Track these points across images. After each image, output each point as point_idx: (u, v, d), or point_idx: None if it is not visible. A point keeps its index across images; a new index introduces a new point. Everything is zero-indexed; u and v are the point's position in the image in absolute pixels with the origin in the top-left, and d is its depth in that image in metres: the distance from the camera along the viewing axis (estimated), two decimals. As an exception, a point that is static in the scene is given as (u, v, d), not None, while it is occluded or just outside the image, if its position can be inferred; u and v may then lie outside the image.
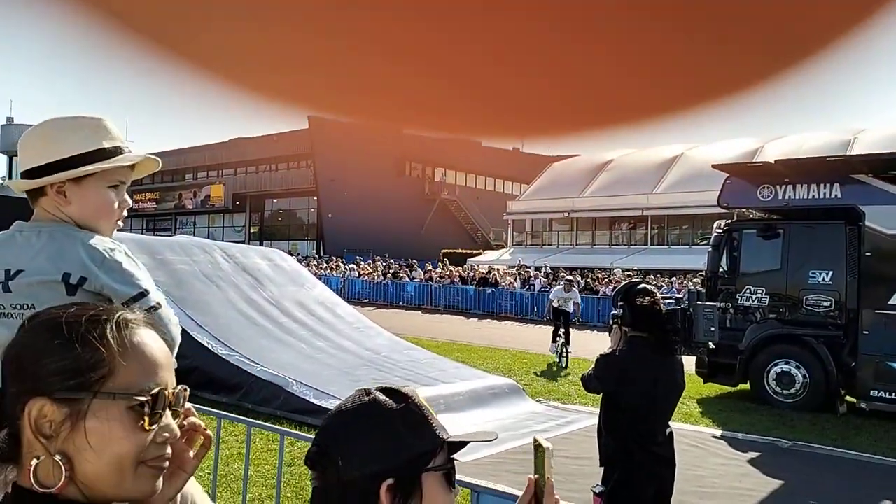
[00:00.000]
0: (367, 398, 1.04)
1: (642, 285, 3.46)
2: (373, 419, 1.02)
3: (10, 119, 52.65)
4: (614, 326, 3.48)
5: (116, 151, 1.80)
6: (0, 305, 1.64)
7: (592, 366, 3.54)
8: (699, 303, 3.63)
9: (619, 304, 3.39)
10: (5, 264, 1.65)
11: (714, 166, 10.72)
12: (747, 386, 9.78)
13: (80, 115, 1.79)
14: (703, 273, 10.83)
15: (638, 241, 34.85)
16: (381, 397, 1.04)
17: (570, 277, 15.14)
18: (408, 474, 0.99)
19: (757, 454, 7.08)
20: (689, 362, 7.56)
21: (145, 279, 1.73)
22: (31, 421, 0.82)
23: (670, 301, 3.65)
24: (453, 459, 1.05)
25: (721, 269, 10.20)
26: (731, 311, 9.87)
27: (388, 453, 0.99)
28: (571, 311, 13.25)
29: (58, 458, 0.82)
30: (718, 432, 7.88)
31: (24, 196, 1.83)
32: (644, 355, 3.35)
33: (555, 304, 13.24)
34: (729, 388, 10.07)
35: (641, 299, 3.32)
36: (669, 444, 3.45)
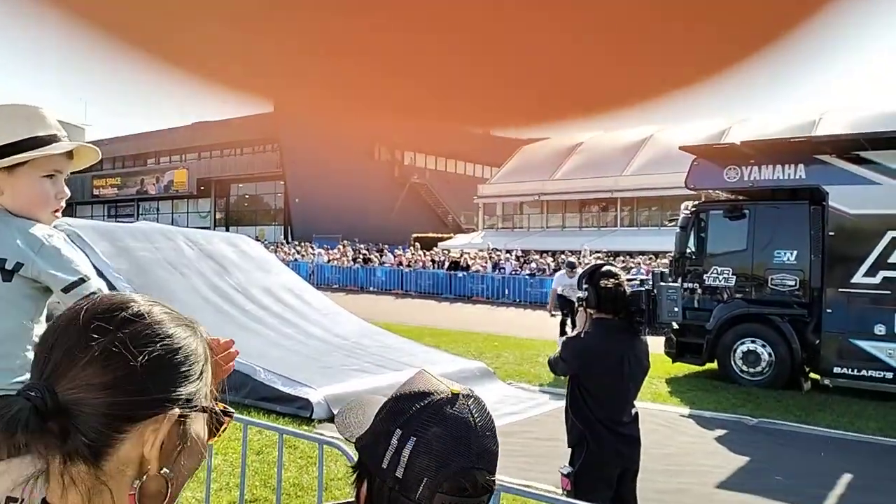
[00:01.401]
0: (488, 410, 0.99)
1: (606, 267, 3.48)
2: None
3: None
4: (579, 309, 3.50)
5: (51, 140, 1.75)
6: None
7: (559, 348, 3.55)
8: (663, 283, 3.65)
9: (584, 286, 3.42)
10: None
11: (681, 148, 10.78)
12: (714, 365, 9.93)
13: (14, 103, 1.73)
14: (672, 254, 10.92)
15: (608, 223, 35.16)
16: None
17: (572, 260, 13.57)
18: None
19: (724, 432, 7.19)
20: (656, 343, 7.63)
21: (85, 266, 1.70)
22: (154, 437, 0.75)
23: (635, 282, 3.65)
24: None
25: (688, 250, 10.30)
26: (699, 291, 9.99)
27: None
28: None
29: (165, 472, 0.77)
30: (686, 411, 7.98)
31: None
32: (609, 337, 3.39)
33: (559, 292, 11.56)
34: (697, 368, 10.22)
35: (606, 281, 3.36)
36: (635, 424, 3.51)
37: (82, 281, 1.66)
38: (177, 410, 0.76)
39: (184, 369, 0.78)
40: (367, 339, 9.29)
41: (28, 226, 1.66)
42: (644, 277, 3.84)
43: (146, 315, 0.78)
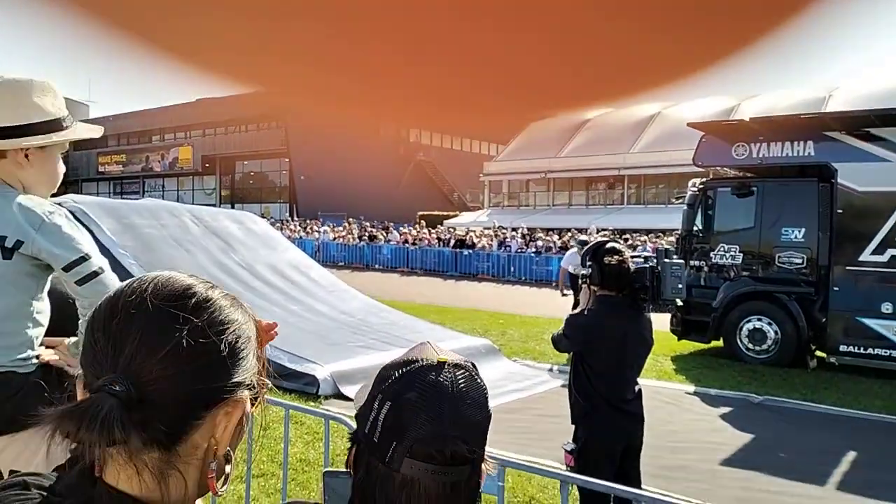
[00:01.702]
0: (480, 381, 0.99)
1: (610, 244, 3.47)
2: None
3: None
4: (583, 286, 3.50)
5: (67, 120, 1.75)
6: None
7: (562, 325, 3.54)
8: (667, 260, 3.66)
9: (588, 263, 3.41)
10: None
11: (690, 125, 10.68)
12: (720, 343, 9.92)
13: (33, 78, 1.70)
14: (679, 232, 10.87)
15: (615, 201, 35.02)
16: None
17: (584, 238, 13.02)
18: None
19: (729, 409, 7.20)
20: (661, 320, 7.62)
21: (87, 243, 1.67)
22: (227, 420, 0.77)
23: (639, 259, 3.65)
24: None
25: (695, 228, 10.25)
26: (705, 269, 9.96)
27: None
28: None
29: (229, 451, 0.79)
30: (692, 388, 7.99)
31: None
32: (613, 314, 3.38)
33: (570, 271, 10.97)
34: (702, 346, 10.22)
35: (609, 258, 3.35)
36: (638, 401, 3.51)
37: (83, 259, 1.64)
38: (247, 393, 0.78)
39: (248, 352, 0.80)
40: (372, 317, 9.32)
41: (29, 202, 1.64)
42: (648, 254, 3.83)
43: (212, 301, 0.79)
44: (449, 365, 0.96)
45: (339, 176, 39.52)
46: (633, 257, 3.53)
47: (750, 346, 9.53)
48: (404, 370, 0.96)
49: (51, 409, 0.70)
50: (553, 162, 35.88)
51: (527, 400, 7.12)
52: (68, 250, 1.62)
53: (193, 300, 0.77)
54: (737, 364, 9.33)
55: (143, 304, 0.75)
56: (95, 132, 1.85)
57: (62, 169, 1.78)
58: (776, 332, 9.38)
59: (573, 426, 3.50)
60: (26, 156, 1.66)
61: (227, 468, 0.79)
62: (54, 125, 1.69)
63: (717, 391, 7.86)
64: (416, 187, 44.08)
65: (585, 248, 3.57)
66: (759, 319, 9.50)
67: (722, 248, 9.91)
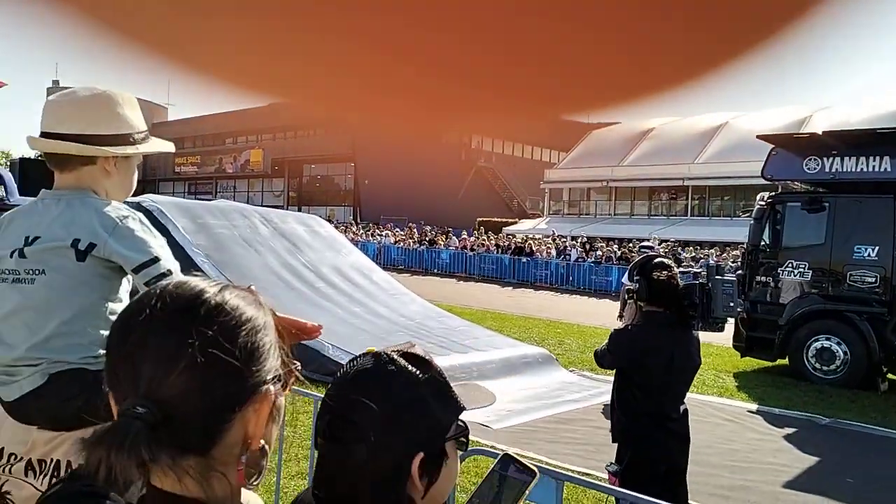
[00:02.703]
0: (392, 365, 0.97)
1: (659, 259, 3.40)
2: (404, 388, 0.95)
3: (55, 82, 52.10)
4: (629, 301, 3.43)
5: (147, 133, 1.86)
6: (16, 270, 1.67)
7: (606, 341, 3.49)
8: (718, 277, 3.55)
9: (636, 277, 3.33)
10: (26, 231, 1.69)
11: (759, 137, 10.42)
12: (786, 361, 9.63)
13: (121, 91, 1.79)
14: (744, 246, 10.61)
15: (678, 212, 34.28)
16: (407, 365, 0.98)
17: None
18: (436, 446, 0.96)
19: (793, 430, 7.00)
20: (723, 335, 7.45)
21: (158, 247, 1.73)
22: (256, 417, 0.78)
23: (688, 275, 3.57)
24: (466, 424, 1.01)
25: (763, 242, 9.99)
26: (772, 284, 9.71)
27: (419, 426, 0.95)
28: None
29: (263, 444, 0.80)
30: (754, 407, 7.80)
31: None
32: (659, 330, 3.29)
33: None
34: (766, 363, 9.94)
35: (658, 273, 3.26)
36: (684, 421, 3.39)
37: (154, 261, 1.69)
38: (271, 387, 0.79)
39: (267, 347, 0.80)
40: (431, 321, 9.45)
41: (106, 208, 1.70)
42: (698, 270, 3.75)
43: (224, 304, 0.79)
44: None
45: (402, 180, 40.00)
46: (682, 273, 3.44)
47: (817, 365, 9.22)
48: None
49: (86, 435, 0.72)
50: (615, 170, 35.39)
51: (583, 411, 7.10)
52: (139, 253, 1.68)
53: (203, 309, 0.77)
54: (803, 384, 9.05)
55: (153, 320, 0.76)
56: (169, 147, 1.93)
57: (136, 178, 1.90)
58: (845, 353, 9.05)
59: (615, 444, 3.41)
60: (115, 164, 1.76)
61: (263, 461, 0.81)
62: (139, 137, 1.78)
63: (782, 411, 7.65)
64: (477, 193, 44.18)
65: (633, 262, 3.50)
66: (828, 339, 9.18)
67: (790, 264, 9.63)
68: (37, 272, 1.66)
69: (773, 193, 10.28)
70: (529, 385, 7.83)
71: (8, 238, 1.70)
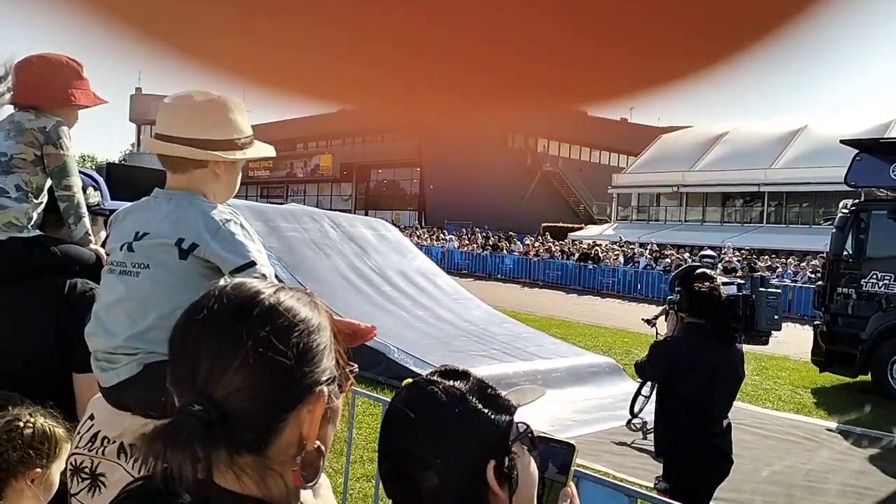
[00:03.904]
0: (432, 387, 1.00)
1: (701, 270, 3.36)
2: (451, 405, 0.97)
3: (138, 89, 53.84)
4: (670, 312, 3.40)
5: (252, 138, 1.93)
6: (123, 263, 1.76)
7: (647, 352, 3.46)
8: (762, 289, 3.44)
9: (677, 288, 3.30)
10: (136, 226, 1.77)
11: (843, 142, 9.97)
12: (867, 377, 9.15)
13: (231, 96, 1.85)
14: (825, 255, 10.15)
15: (753, 219, 33.09)
16: (447, 382, 1.00)
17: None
18: (502, 449, 0.97)
19: (876, 451, 6.64)
20: (792, 350, 7.13)
21: (255, 251, 1.78)
22: (310, 417, 0.79)
23: (732, 287, 3.49)
24: (527, 424, 1.02)
25: (845, 252, 9.53)
26: (854, 296, 9.24)
27: (478, 435, 0.96)
28: None
29: (319, 445, 0.81)
30: (833, 425, 7.44)
31: (145, 167, 1.95)
32: (700, 342, 3.24)
33: None
34: (847, 379, 9.46)
35: (700, 284, 3.22)
36: (727, 436, 3.32)
37: (250, 265, 1.73)
38: (325, 389, 0.80)
39: (321, 347, 0.81)
40: (495, 327, 9.43)
41: (212, 211, 1.78)
42: (741, 282, 3.66)
43: (278, 305, 0.80)
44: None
45: (467, 185, 40.09)
46: (724, 284, 3.37)
47: (903, 383, 8.72)
48: None
49: (147, 431, 0.75)
50: (687, 175, 34.46)
51: (651, 423, 6.94)
52: (237, 256, 1.73)
53: (257, 310, 0.79)
54: (886, 402, 8.56)
55: (211, 319, 0.79)
56: (271, 152, 1.99)
57: (240, 180, 1.97)
58: (934, 371, 8.53)
59: (661, 458, 3.36)
60: (224, 168, 1.82)
61: (319, 462, 0.81)
62: (246, 142, 1.85)
63: (864, 430, 7.26)
64: (542, 198, 43.83)
65: (675, 272, 3.46)
66: (915, 355, 8.67)
67: (875, 276, 9.14)
68: (142, 266, 1.74)
69: (858, 201, 9.80)
70: (595, 395, 7.70)
71: (120, 232, 1.80)
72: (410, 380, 1.05)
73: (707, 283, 3.22)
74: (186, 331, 0.80)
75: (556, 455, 1.05)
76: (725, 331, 3.28)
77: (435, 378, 1.01)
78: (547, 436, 1.06)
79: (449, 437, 0.95)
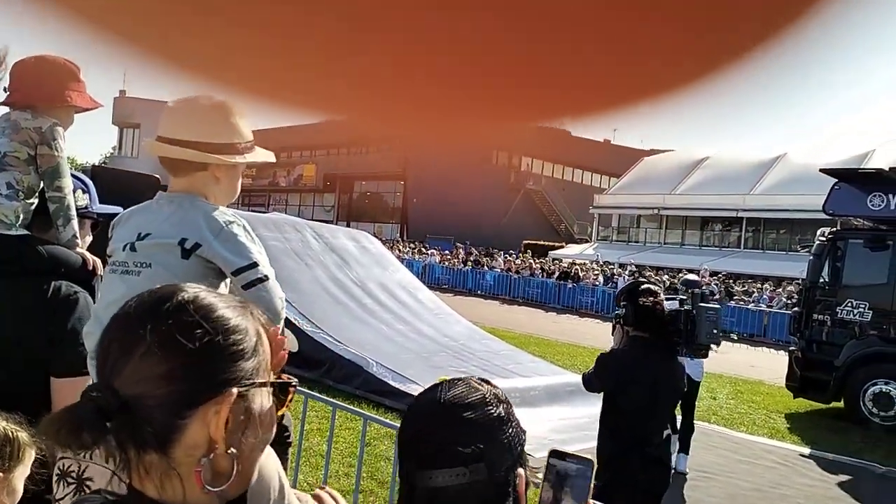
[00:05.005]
0: (487, 388, 1.10)
1: (646, 285, 3.50)
2: (495, 406, 1.07)
3: (122, 92, 52.53)
4: (616, 326, 3.51)
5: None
6: (125, 263, 1.77)
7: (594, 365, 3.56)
8: (702, 304, 3.61)
9: (623, 303, 3.44)
10: (139, 227, 1.79)
11: (822, 170, 10.14)
12: (841, 404, 9.26)
13: (234, 102, 1.84)
14: (801, 281, 10.29)
15: (731, 244, 33.49)
16: (486, 386, 1.11)
17: (691, 277, 11.65)
18: (521, 458, 1.08)
19: (848, 477, 6.71)
20: (767, 375, 7.18)
21: (257, 253, 1.81)
22: (217, 418, 0.76)
23: (675, 302, 3.64)
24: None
25: (822, 279, 9.67)
26: (829, 323, 9.38)
27: (517, 445, 1.06)
28: None
29: (232, 451, 0.78)
30: (807, 451, 7.51)
31: (127, 170, 1.94)
32: (644, 355, 3.37)
33: None
34: (820, 405, 9.57)
35: (644, 299, 3.36)
36: (665, 446, 3.46)
37: (252, 266, 1.77)
38: (235, 389, 0.77)
39: (237, 348, 0.79)
40: (475, 343, 9.41)
41: (214, 212, 1.79)
42: (683, 297, 3.81)
43: (192, 302, 0.79)
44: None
45: (450, 200, 40.16)
46: (667, 299, 3.53)
47: (874, 410, 8.83)
48: None
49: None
50: (667, 198, 34.85)
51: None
52: (239, 257, 1.76)
53: (168, 305, 0.78)
54: (859, 429, 8.67)
55: (127, 313, 0.80)
56: (271, 158, 2.00)
57: (240, 185, 1.97)
58: (906, 399, 8.65)
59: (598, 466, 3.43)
60: (224, 171, 1.84)
61: (232, 470, 0.78)
62: (247, 146, 1.86)
63: (836, 456, 7.34)
64: (524, 216, 44.04)
65: (621, 288, 3.59)
66: (887, 383, 8.79)
67: (850, 304, 9.29)
68: (144, 265, 1.75)
69: (835, 229, 9.97)
70: (572, 415, 7.70)
71: (123, 233, 1.82)
72: (445, 377, 1.16)
73: (651, 298, 3.37)
74: (108, 325, 0.81)
75: (572, 474, 1.10)
76: (668, 344, 3.44)
77: (475, 383, 1.10)
78: (564, 451, 1.13)
79: (503, 439, 1.06)
